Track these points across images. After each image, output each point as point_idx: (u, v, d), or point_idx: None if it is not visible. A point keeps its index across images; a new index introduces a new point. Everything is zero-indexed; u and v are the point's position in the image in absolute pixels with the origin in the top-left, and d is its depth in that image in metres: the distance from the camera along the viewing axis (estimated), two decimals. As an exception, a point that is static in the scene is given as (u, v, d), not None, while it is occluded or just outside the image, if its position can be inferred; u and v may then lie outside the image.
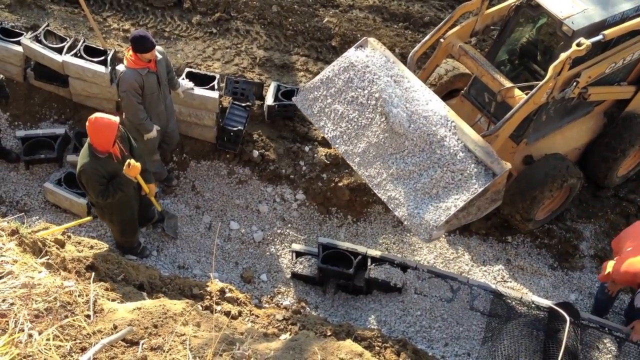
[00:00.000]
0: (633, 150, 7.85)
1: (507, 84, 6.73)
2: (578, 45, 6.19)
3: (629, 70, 7.40)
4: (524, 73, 7.27)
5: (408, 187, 6.31)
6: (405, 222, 6.29)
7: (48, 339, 4.11)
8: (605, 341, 7.00)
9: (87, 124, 6.05)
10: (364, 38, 6.91)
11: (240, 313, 6.20)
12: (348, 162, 6.72)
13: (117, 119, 6.14)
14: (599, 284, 7.41)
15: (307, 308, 7.20)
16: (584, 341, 6.89)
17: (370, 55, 6.74)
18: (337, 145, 6.74)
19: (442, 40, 7.00)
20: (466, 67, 7.25)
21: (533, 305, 7.10)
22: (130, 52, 6.81)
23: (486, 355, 6.82)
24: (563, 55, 6.23)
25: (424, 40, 6.95)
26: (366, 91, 6.60)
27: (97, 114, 6.12)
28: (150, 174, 6.77)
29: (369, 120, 6.54)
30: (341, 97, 6.74)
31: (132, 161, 6.29)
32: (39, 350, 4.04)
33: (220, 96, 8.10)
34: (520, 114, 6.45)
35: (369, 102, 6.58)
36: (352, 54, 6.81)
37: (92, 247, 6.42)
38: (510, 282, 7.62)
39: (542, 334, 6.92)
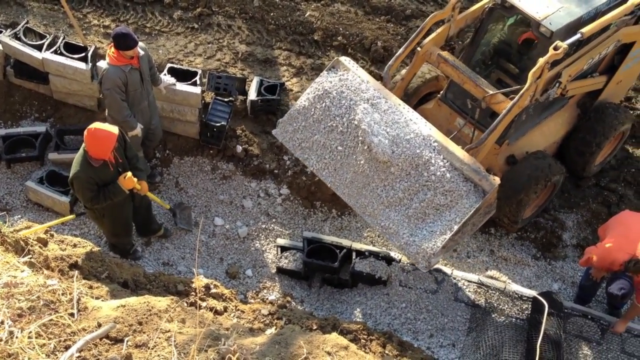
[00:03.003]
0: (607, 142, 7.93)
1: (490, 90, 6.65)
2: (555, 48, 6.15)
3: (600, 60, 7.45)
4: (496, 71, 7.25)
5: (400, 215, 6.25)
6: (402, 252, 6.26)
7: (30, 337, 4.09)
8: (588, 329, 7.09)
9: (85, 132, 6.01)
10: (335, 59, 6.74)
11: (225, 309, 6.20)
12: (337, 194, 6.63)
13: (116, 129, 6.10)
14: (582, 272, 7.50)
15: (293, 302, 7.21)
16: (567, 330, 6.97)
17: (343, 79, 6.58)
18: (323, 178, 6.63)
19: (419, 48, 6.94)
20: (446, 75, 7.15)
21: (516, 296, 7.17)
22: (113, 49, 6.77)
23: (471, 345, 6.88)
24: (541, 61, 6.20)
25: (398, 53, 6.82)
26: (344, 119, 6.45)
27: (97, 125, 6.07)
28: (142, 173, 6.70)
29: (352, 149, 6.42)
30: (320, 127, 6.58)
31: (129, 174, 6.30)
32: (21, 348, 4.02)
33: (203, 92, 8.08)
34: (505, 121, 6.40)
35: (348, 130, 6.43)
36: (325, 80, 6.63)
37: (75, 246, 6.39)
38: (494, 272, 7.66)
39: (525, 324, 7.00)
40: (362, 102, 6.42)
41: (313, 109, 6.62)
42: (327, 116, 6.55)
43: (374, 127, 6.26)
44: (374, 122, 6.29)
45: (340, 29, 9.21)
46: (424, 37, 6.93)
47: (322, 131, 6.57)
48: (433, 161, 6.16)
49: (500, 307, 7.15)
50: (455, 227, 6.04)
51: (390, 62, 6.85)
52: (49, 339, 4.28)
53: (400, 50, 6.82)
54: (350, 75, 6.59)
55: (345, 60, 6.70)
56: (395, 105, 6.42)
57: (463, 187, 6.08)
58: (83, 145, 6.11)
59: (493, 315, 7.07)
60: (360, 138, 6.32)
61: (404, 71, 7.45)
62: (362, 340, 6.15)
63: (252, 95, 8.27)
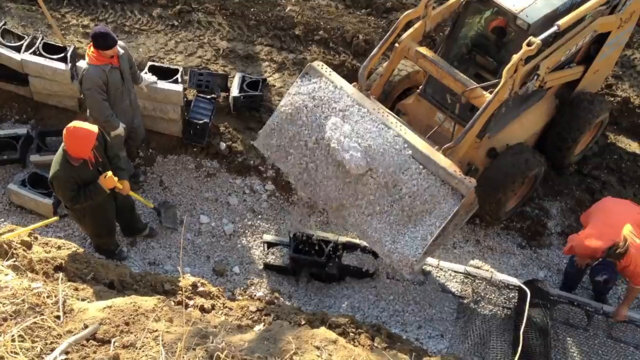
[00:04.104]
0: (583, 136, 7.97)
1: (469, 84, 6.61)
2: (528, 44, 6.12)
3: (577, 51, 7.47)
4: (475, 65, 7.20)
5: (382, 223, 6.24)
6: (386, 260, 6.28)
7: (13, 340, 4.05)
8: (574, 316, 7.16)
9: (64, 132, 5.97)
10: (308, 65, 6.67)
11: (213, 306, 6.18)
12: (319, 205, 6.65)
13: (95, 128, 6.06)
14: (567, 259, 7.55)
15: (281, 298, 7.20)
16: (554, 317, 7.02)
17: (316, 89, 6.50)
18: (303, 192, 6.66)
19: (397, 45, 6.89)
20: (425, 70, 7.09)
21: (503, 285, 7.22)
22: (92, 48, 6.71)
23: (459, 335, 6.92)
24: (515, 57, 6.16)
25: (372, 53, 6.73)
26: (316, 134, 6.40)
27: (76, 123, 6.02)
28: (124, 172, 6.67)
29: (326, 165, 6.39)
30: (294, 143, 6.53)
31: (110, 174, 6.25)
32: (6, 352, 3.99)
33: (185, 89, 8.03)
34: (483, 117, 6.37)
35: (320, 145, 6.40)
36: (297, 90, 6.56)
37: (59, 248, 6.33)
38: (477, 262, 7.69)
39: (513, 312, 7.05)
40: (332, 114, 6.37)
41: (287, 124, 6.57)
42: (299, 132, 6.51)
43: (344, 142, 6.21)
44: (343, 137, 6.23)
45: (321, 23, 9.19)
46: (399, 35, 6.90)
47: (296, 146, 6.54)
48: (409, 167, 6.14)
49: (488, 296, 7.19)
50: (436, 232, 6.07)
51: (364, 63, 6.76)
52: (34, 342, 4.24)
53: (374, 50, 6.76)
54: (323, 83, 6.52)
55: (317, 65, 6.63)
56: (369, 111, 6.35)
57: (440, 192, 6.09)
58: (62, 144, 6.06)
59: (480, 305, 7.11)
60: (332, 155, 6.30)
61: (382, 67, 7.44)
62: (351, 334, 6.15)
63: (235, 91, 8.24)
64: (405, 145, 6.19)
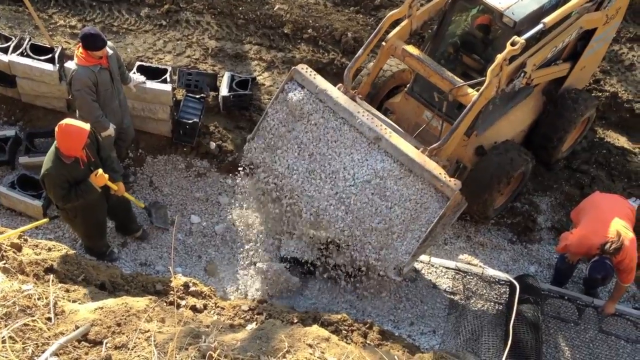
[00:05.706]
0: (569, 135, 7.99)
1: (457, 82, 6.60)
2: (512, 44, 6.13)
3: (563, 48, 7.50)
4: (462, 63, 7.20)
5: (369, 227, 6.31)
6: (375, 264, 6.32)
7: (4, 342, 4.04)
8: (565, 310, 7.19)
9: (56, 129, 5.96)
10: (293, 69, 6.66)
11: (205, 306, 6.18)
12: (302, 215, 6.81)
13: (87, 126, 6.06)
14: (557, 254, 7.59)
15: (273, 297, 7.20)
16: (545, 311, 7.06)
17: (298, 105, 6.54)
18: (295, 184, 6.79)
19: (383, 43, 6.88)
20: (412, 68, 7.07)
21: (494, 280, 7.24)
22: (81, 49, 6.68)
23: (451, 331, 6.94)
24: (499, 57, 6.18)
25: (357, 55, 6.76)
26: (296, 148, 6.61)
27: (68, 120, 6.01)
28: (118, 174, 6.65)
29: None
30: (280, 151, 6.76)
31: (101, 171, 6.23)
32: (-3, 355, 3.98)
33: (174, 89, 8.01)
34: (470, 115, 6.38)
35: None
36: (273, 117, 6.69)
37: (50, 249, 6.31)
38: (466, 256, 7.71)
39: (504, 307, 7.08)
40: (303, 162, 6.55)
41: (260, 159, 6.85)
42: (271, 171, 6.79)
43: (319, 199, 6.41)
44: (314, 187, 6.43)
45: (310, 21, 9.19)
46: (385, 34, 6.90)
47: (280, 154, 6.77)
48: (393, 179, 6.20)
49: (479, 292, 7.22)
50: (423, 235, 6.13)
51: (350, 64, 6.76)
52: (25, 344, 4.23)
53: (359, 52, 6.76)
54: (306, 95, 6.53)
55: (302, 69, 6.63)
56: (350, 123, 6.38)
57: (426, 195, 6.14)
58: (55, 142, 6.04)
59: (472, 301, 7.14)
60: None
61: (368, 67, 7.42)
62: (344, 332, 6.17)
63: (224, 91, 8.22)
64: (391, 159, 6.23)
